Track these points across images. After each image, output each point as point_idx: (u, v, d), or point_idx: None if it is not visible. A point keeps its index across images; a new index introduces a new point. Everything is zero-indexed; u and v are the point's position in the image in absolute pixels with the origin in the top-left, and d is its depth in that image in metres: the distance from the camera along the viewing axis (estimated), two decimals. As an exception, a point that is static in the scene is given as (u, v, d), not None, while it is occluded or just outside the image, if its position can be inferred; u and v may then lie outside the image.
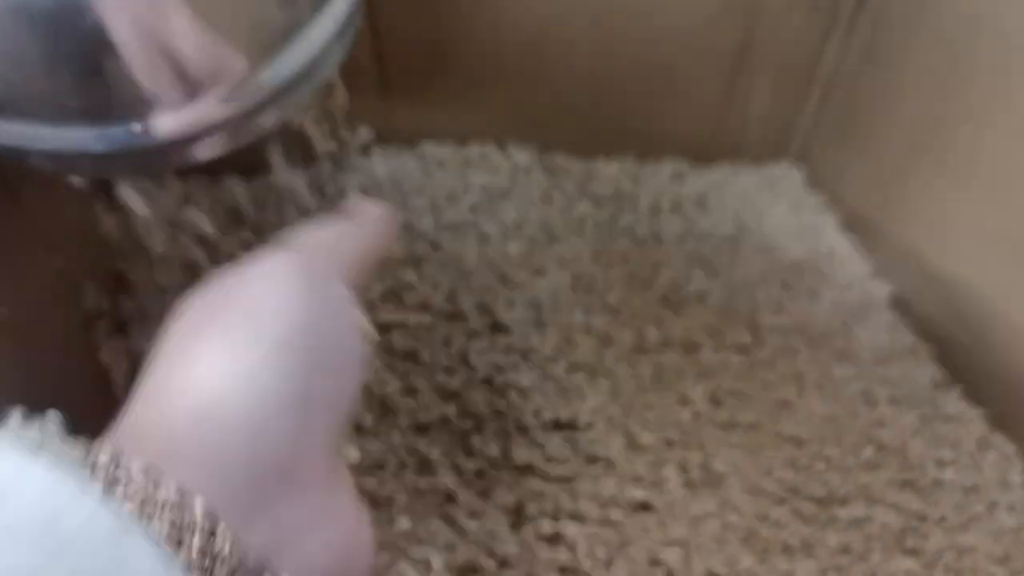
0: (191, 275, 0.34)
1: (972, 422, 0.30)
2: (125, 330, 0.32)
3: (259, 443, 0.13)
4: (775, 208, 0.38)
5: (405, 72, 0.36)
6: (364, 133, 0.28)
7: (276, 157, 0.34)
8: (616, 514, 0.27)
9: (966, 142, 0.29)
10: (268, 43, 0.18)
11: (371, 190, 0.38)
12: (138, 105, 0.16)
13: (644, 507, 0.27)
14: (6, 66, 0.16)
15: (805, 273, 0.35)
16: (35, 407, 0.11)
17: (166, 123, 0.17)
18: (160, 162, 0.18)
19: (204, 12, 0.16)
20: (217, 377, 0.13)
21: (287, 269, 0.15)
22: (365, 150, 0.38)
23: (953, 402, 0.31)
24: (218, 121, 0.17)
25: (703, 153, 0.39)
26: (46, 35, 0.16)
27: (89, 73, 0.16)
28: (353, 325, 0.16)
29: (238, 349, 0.13)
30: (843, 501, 0.28)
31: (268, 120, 0.19)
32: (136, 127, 0.16)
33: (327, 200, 0.37)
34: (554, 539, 0.26)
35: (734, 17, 0.34)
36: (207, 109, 0.17)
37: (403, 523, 0.26)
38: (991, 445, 0.29)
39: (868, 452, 0.29)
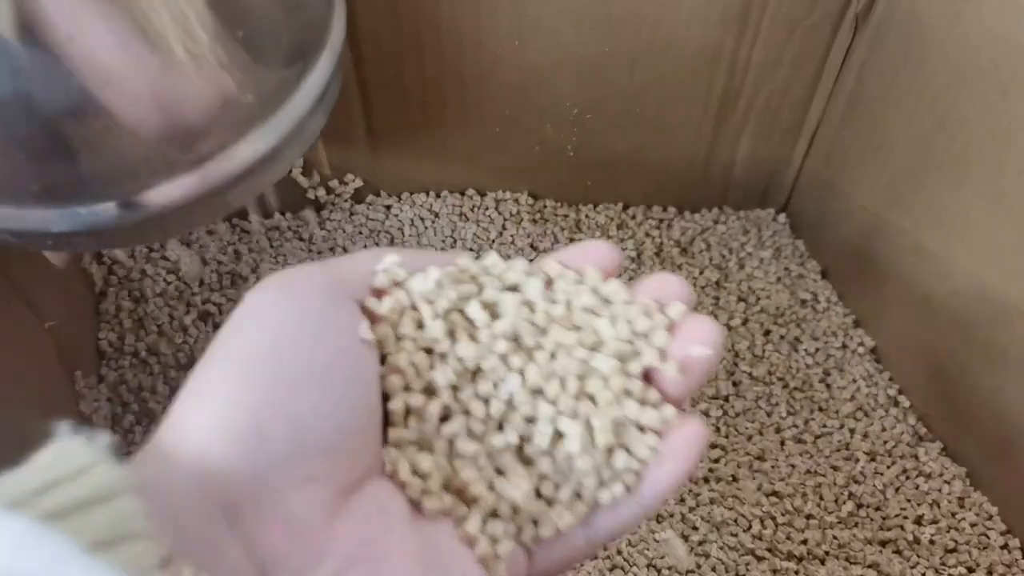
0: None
1: (952, 480, 0.30)
2: (104, 378, 0.32)
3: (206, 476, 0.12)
4: (758, 255, 0.38)
5: (393, 123, 0.36)
6: (352, 183, 0.28)
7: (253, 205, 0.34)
8: (594, 571, 0.27)
9: (948, 197, 0.29)
10: (248, 117, 0.18)
11: (359, 241, 0.38)
12: (105, 186, 0.16)
13: (621, 565, 0.27)
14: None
15: (786, 322, 0.36)
16: (16, 457, 0.11)
17: (150, 196, 0.17)
18: (130, 239, 0.18)
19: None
20: (183, 414, 0.13)
21: (265, 285, 0.15)
22: (355, 200, 0.38)
23: (933, 459, 0.31)
24: (192, 197, 0.17)
25: (688, 200, 0.40)
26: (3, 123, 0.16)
27: (49, 158, 0.16)
28: (352, 338, 0.15)
29: (204, 374, 0.13)
30: (822, 559, 0.28)
31: (246, 193, 0.19)
32: (103, 207, 0.17)
33: (314, 247, 0.37)
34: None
35: (719, 68, 0.35)
36: (176, 188, 0.17)
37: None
38: (971, 504, 0.29)
39: (847, 508, 0.29)
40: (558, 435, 0.16)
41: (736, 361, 0.34)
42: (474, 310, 0.17)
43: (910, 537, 0.28)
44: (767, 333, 0.35)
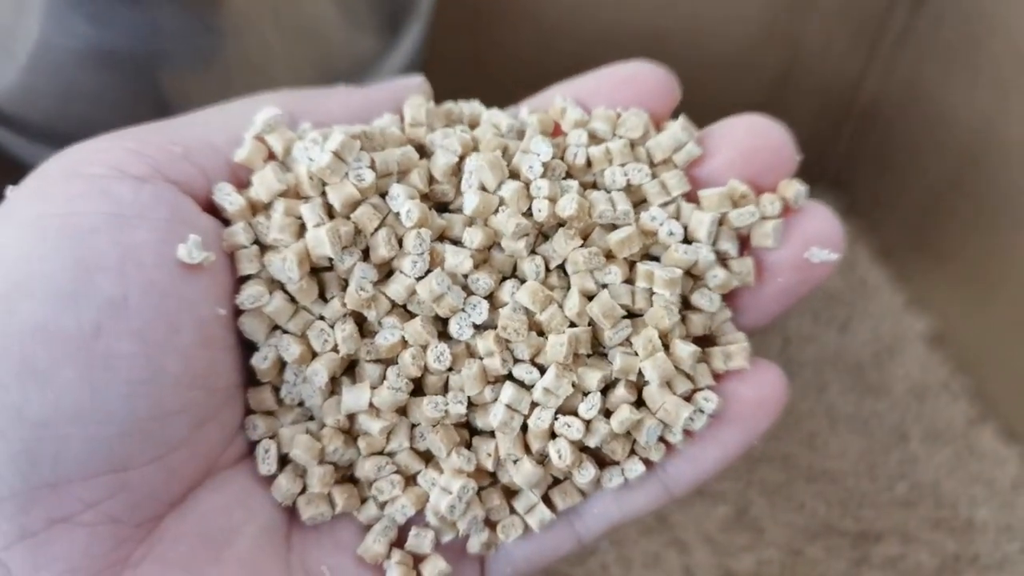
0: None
1: (1006, 461, 0.30)
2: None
3: None
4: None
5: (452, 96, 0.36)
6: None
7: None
8: (652, 544, 0.27)
9: (1009, 176, 0.29)
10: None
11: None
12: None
13: (677, 541, 0.27)
14: (82, 103, 0.17)
15: (836, 304, 0.35)
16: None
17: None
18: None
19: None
20: None
21: (43, 171, 0.10)
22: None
23: (987, 440, 0.31)
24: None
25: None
26: (126, 77, 0.16)
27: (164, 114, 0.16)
28: (163, 265, 0.10)
29: None
30: (877, 538, 0.28)
31: None
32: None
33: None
34: (586, 561, 0.26)
35: (775, 45, 0.34)
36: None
37: None
38: (1025, 485, 0.29)
39: (902, 489, 0.29)
40: (552, 398, 0.12)
41: (786, 344, 0.34)
42: (400, 199, 0.12)
43: (964, 517, 0.29)
44: (817, 315, 0.35)
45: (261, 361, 0.12)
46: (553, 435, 0.13)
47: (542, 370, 0.13)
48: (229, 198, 0.12)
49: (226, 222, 0.12)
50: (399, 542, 0.13)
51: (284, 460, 0.12)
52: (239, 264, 0.12)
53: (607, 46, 0.35)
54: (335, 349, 0.12)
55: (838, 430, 0.31)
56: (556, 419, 0.13)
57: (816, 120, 0.37)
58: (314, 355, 0.12)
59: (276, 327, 0.12)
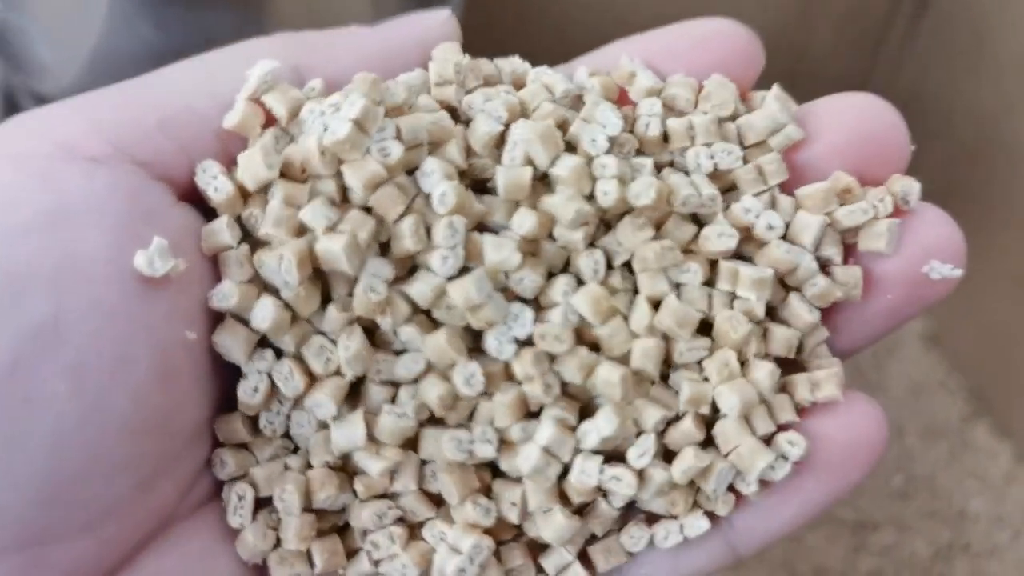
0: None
1: (999, 455, 0.31)
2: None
3: None
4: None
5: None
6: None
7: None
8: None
9: (1004, 180, 0.30)
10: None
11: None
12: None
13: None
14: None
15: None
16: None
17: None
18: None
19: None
20: None
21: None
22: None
23: (981, 435, 0.32)
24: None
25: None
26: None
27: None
28: (117, 276, 0.08)
29: None
30: (875, 527, 0.29)
31: None
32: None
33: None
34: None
35: (779, 54, 0.35)
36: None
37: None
38: (1017, 478, 0.31)
39: (899, 481, 0.31)
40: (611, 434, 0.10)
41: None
42: (435, 177, 0.09)
43: (958, 508, 0.30)
44: (819, 313, 0.36)
45: (250, 395, 0.09)
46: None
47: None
48: (215, 182, 0.09)
49: (212, 212, 0.09)
50: None
51: (256, 502, 0.10)
52: (224, 269, 0.09)
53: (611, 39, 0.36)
54: (339, 372, 0.10)
55: (838, 425, 0.33)
56: (602, 471, 0.10)
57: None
58: (313, 378, 0.10)
59: (262, 343, 0.10)
